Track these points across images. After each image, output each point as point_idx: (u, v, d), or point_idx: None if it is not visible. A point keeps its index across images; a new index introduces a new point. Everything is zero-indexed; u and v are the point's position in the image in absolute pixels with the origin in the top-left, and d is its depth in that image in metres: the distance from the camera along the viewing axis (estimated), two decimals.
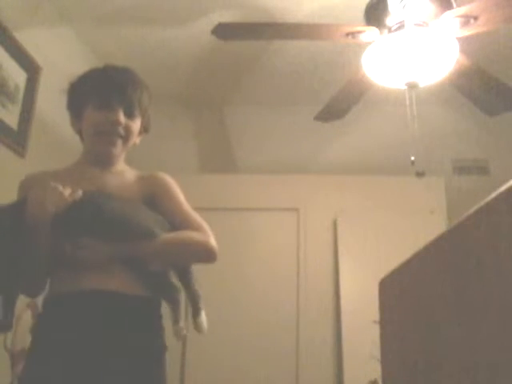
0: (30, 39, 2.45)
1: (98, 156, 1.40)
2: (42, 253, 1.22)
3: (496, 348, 0.59)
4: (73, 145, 3.00)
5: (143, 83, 1.43)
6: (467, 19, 1.94)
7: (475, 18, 1.92)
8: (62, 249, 1.22)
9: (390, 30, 2.11)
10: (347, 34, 2.11)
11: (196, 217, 1.39)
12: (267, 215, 3.69)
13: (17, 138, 2.36)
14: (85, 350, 1.17)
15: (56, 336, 1.19)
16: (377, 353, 1.13)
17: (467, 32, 2.02)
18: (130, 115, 1.38)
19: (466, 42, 2.12)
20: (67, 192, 1.22)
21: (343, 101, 2.53)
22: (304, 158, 3.82)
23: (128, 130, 1.38)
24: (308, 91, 3.43)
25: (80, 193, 1.23)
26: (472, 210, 0.67)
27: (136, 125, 1.41)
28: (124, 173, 1.43)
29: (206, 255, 1.35)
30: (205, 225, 1.38)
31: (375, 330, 1.18)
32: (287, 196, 3.70)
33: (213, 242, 1.35)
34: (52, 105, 2.69)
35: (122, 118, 1.35)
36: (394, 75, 2.11)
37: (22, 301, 2.41)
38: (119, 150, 1.39)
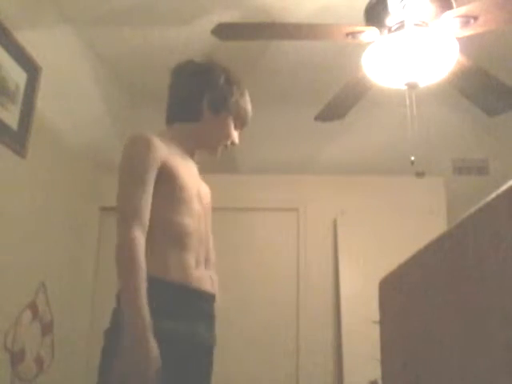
0: (30, 39, 2.44)
1: (207, 155, 1.51)
2: None
3: (496, 347, 0.59)
4: (73, 145, 3.01)
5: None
6: (467, 19, 1.94)
7: (475, 18, 1.92)
8: None
9: (390, 30, 2.11)
10: (347, 34, 2.11)
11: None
12: (267, 215, 3.69)
13: (17, 138, 2.35)
14: None
15: None
16: (377, 353, 1.13)
17: (467, 32, 2.01)
18: None
19: (466, 42, 2.12)
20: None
21: (343, 101, 2.53)
22: (304, 158, 3.82)
23: None
24: (308, 91, 3.42)
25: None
26: (472, 210, 0.67)
27: None
28: None
29: None
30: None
31: (375, 330, 1.18)
32: (287, 196, 3.70)
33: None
34: (52, 105, 2.69)
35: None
36: (394, 75, 2.11)
37: (22, 301, 2.40)
38: None
